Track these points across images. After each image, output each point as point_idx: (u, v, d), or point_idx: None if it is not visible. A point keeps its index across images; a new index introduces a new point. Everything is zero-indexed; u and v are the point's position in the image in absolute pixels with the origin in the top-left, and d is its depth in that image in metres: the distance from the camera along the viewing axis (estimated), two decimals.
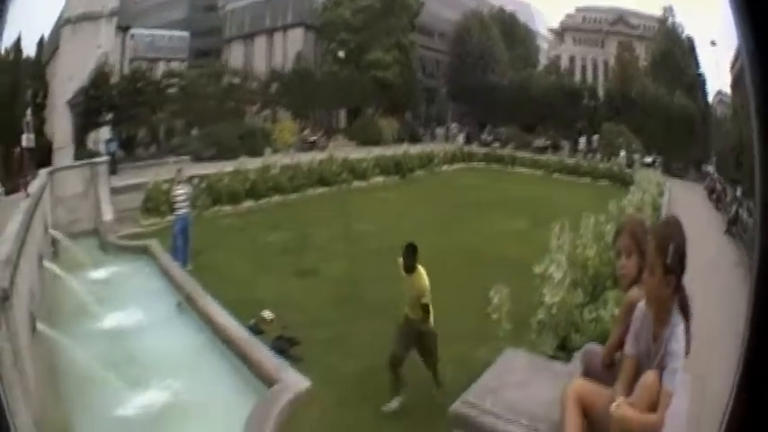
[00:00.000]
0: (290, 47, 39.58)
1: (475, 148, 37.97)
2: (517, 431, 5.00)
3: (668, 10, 37.57)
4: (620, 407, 3.74)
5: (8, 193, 14.35)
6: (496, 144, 38.40)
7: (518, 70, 42.61)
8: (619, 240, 4.40)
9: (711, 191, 24.44)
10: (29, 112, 21.25)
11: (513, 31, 45.37)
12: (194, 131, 31.22)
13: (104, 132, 26.93)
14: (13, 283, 6.54)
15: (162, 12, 36.47)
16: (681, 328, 3.74)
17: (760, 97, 1.92)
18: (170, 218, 15.02)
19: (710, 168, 30.40)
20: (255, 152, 25.79)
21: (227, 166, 22.27)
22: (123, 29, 30.94)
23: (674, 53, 36.06)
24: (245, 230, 17.78)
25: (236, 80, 34.64)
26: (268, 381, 8.03)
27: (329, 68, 38.26)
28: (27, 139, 17.13)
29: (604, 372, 4.47)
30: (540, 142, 38.02)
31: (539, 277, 8.89)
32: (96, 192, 18.28)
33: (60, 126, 25.45)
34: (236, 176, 21.65)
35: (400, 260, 7.80)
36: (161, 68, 32.73)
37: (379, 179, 27.95)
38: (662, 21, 38.19)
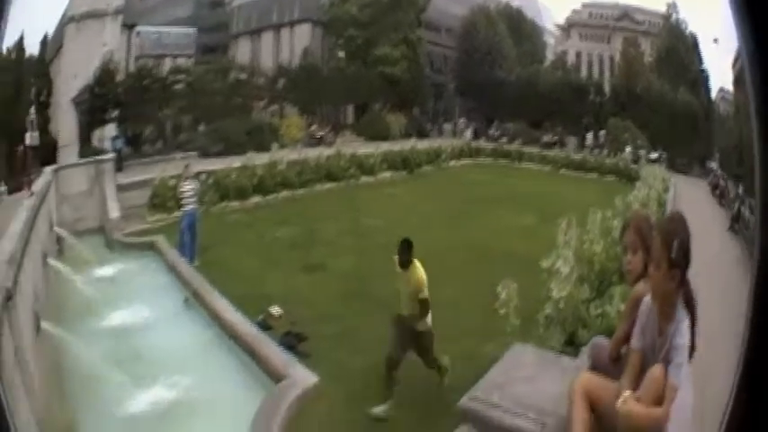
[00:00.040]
0: (297, 43, 39.41)
1: (482, 143, 37.88)
2: (525, 425, 5.11)
3: (672, 6, 37.53)
4: (627, 402, 3.78)
5: (11, 191, 14.33)
6: (504, 139, 38.36)
7: (525, 66, 42.42)
8: (625, 236, 4.49)
9: (715, 187, 24.37)
10: (33, 110, 21.27)
11: (520, 27, 45.18)
12: (201, 127, 31.20)
13: (110, 130, 26.86)
14: (17, 282, 6.59)
15: (168, 9, 36.15)
16: (686, 323, 3.80)
17: (760, 98, 1.93)
18: (177, 214, 15.05)
19: (714, 165, 30.36)
20: (263, 148, 25.42)
21: (235, 162, 22.33)
22: (129, 27, 30.92)
23: (678, 49, 35.97)
24: (252, 226, 17.71)
25: (243, 76, 34.50)
26: (276, 376, 8.01)
27: (336, 64, 38.19)
28: (31, 138, 17.17)
29: (611, 366, 4.50)
30: (547, 138, 38.04)
31: (546, 272, 8.83)
32: (102, 189, 18.25)
33: (65, 124, 25.43)
34: (244, 172, 21.61)
35: (395, 258, 7.73)
36: (167, 65, 32.51)
37: (387, 174, 27.82)
38: (666, 17, 38.11)
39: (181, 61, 33.50)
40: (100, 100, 26.71)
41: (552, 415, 5.04)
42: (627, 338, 4.33)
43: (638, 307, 4.16)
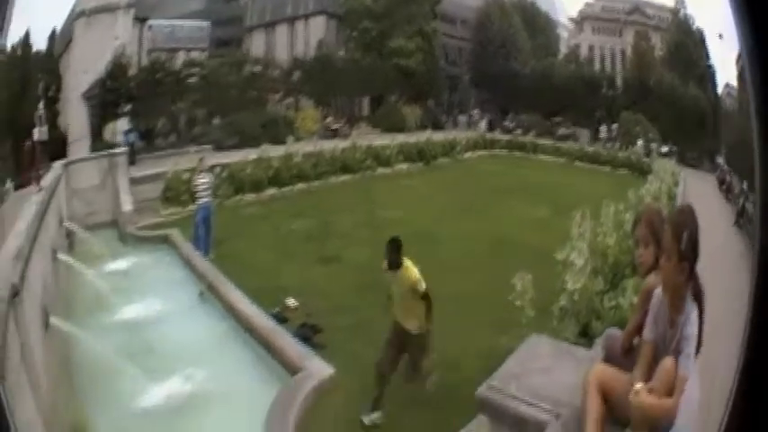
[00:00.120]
0: (312, 35, 39.26)
1: (497, 135, 37.89)
2: (540, 416, 5.20)
3: (680, 1, 37.48)
4: (639, 393, 3.86)
5: (18, 187, 14.31)
6: (518, 131, 38.34)
7: (539, 59, 42.46)
8: (637, 230, 4.57)
9: (722, 182, 24.38)
10: (41, 105, 21.27)
11: (535, 20, 45.18)
12: (216, 120, 31.10)
13: (122, 124, 26.80)
14: (24, 277, 6.42)
15: (181, 2, 35.68)
16: (695, 313, 3.89)
17: (760, 97, 1.94)
18: (191, 207, 15.12)
19: (721, 160, 30.31)
20: (278, 140, 25.50)
21: (250, 155, 22.28)
22: (141, 20, 30.90)
23: (687, 45, 35.95)
24: (267, 218, 17.75)
25: (258, 69, 34.34)
26: (292, 369, 8.05)
27: (351, 56, 38.06)
28: (39, 132, 17.15)
29: (624, 357, 4.59)
30: (562, 131, 37.99)
31: (560, 264, 8.95)
32: (115, 183, 18.22)
33: (75, 119, 25.45)
34: (259, 164, 21.59)
35: (385, 263, 7.36)
36: (180, 59, 32.39)
37: (403, 166, 27.80)
38: (674, 12, 38.08)
39: (194, 55, 33.27)
40: (112, 94, 26.68)
41: (567, 406, 5.07)
42: (639, 330, 4.40)
43: (650, 299, 4.23)
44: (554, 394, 5.41)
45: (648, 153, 31.41)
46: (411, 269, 7.15)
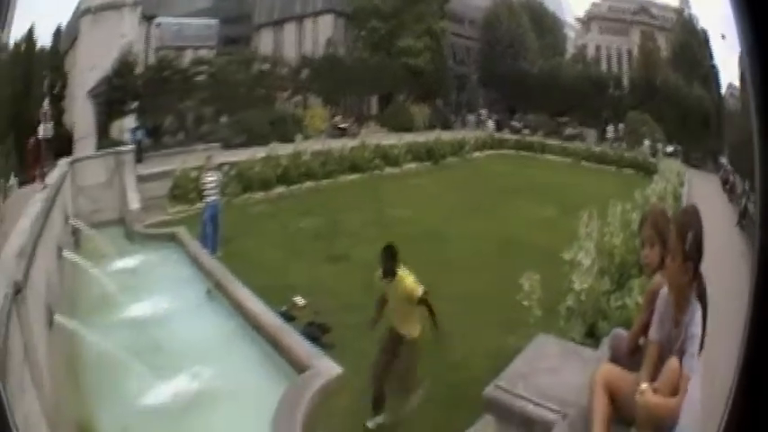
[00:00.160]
0: (321, 33, 38.92)
1: (506, 135, 37.94)
2: (547, 415, 5.26)
3: (684, 1, 37.44)
4: (645, 394, 3.94)
5: (21, 184, 14.28)
6: (526, 131, 38.36)
7: (547, 58, 42.37)
8: (642, 230, 4.62)
9: (725, 182, 24.35)
10: (46, 102, 21.24)
11: (542, 20, 44.89)
12: (224, 119, 30.90)
13: (129, 121, 26.69)
14: (28, 275, 6.49)
15: (188, 0, 35.99)
16: (699, 313, 3.96)
17: (760, 95, 1.96)
18: (198, 205, 15.10)
19: (724, 160, 30.31)
20: (286, 139, 25.28)
21: (258, 153, 22.17)
22: (148, 18, 30.80)
23: (692, 45, 35.87)
24: (276, 217, 17.77)
25: (267, 67, 34.19)
26: (299, 367, 8.02)
27: (360, 55, 37.95)
28: (44, 129, 17.06)
29: (630, 357, 4.67)
30: (569, 130, 37.91)
31: (567, 264, 9.14)
32: (122, 181, 18.15)
33: (81, 116, 25.28)
34: (268, 163, 21.52)
35: (378, 273, 7.32)
36: (188, 57, 32.27)
37: (412, 165, 27.70)
38: (679, 12, 38.03)
39: (202, 53, 33.15)
40: (118, 92, 26.53)
41: (574, 405, 5.09)
42: (644, 330, 4.49)
43: (656, 299, 4.31)
44: (561, 394, 5.43)
45: (654, 153, 31.46)
46: (406, 280, 7.07)
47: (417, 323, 7.19)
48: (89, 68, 25.44)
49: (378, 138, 29.00)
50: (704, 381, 3.96)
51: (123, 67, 27.02)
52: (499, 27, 42.07)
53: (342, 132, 32.16)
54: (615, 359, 4.84)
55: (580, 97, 38.26)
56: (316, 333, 9.37)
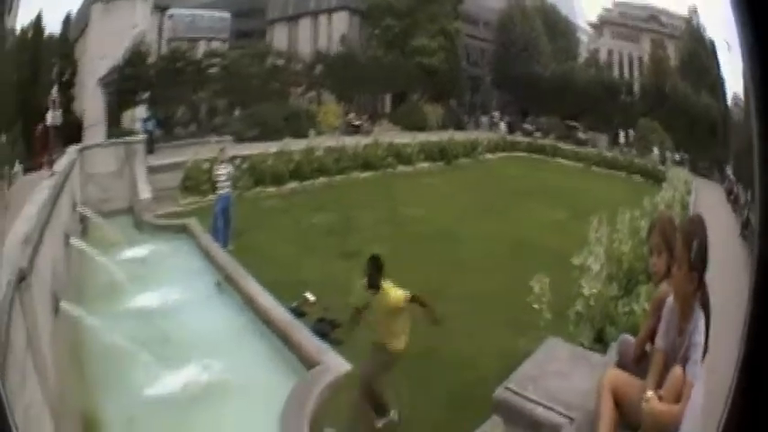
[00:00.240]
0: (335, 30, 39.06)
1: (518, 137, 38.00)
2: (555, 419, 5.42)
3: (693, 11, 37.46)
4: (650, 401, 4.00)
5: (27, 171, 14.25)
6: (538, 134, 38.42)
7: (560, 62, 42.35)
8: (651, 238, 4.67)
9: (730, 192, 24.33)
10: (55, 89, 21.20)
11: (555, 23, 44.89)
12: (237, 112, 30.97)
13: (140, 111, 26.68)
14: (34, 262, 6.37)
15: None
16: (702, 321, 4.02)
17: (760, 96, 1.94)
18: (210, 197, 15.17)
19: (729, 170, 30.32)
20: (300, 134, 25.47)
21: (271, 147, 22.16)
22: (161, 9, 30.82)
23: (700, 54, 35.83)
24: (288, 211, 17.79)
25: (281, 61, 34.37)
26: (309, 363, 7.92)
27: (374, 53, 38.02)
28: (53, 117, 17.03)
29: (636, 363, 4.74)
30: (581, 135, 38.01)
31: (577, 269, 9.53)
32: (132, 170, 18.14)
33: (91, 104, 25.17)
34: (281, 157, 21.56)
35: (362, 282, 7.18)
36: (201, 48, 32.41)
37: (424, 165, 27.71)
38: (688, 21, 38.03)
39: (215, 45, 33.22)
40: (130, 81, 26.43)
41: (581, 410, 5.17)
42: (650, 337, 4.59)
43: (662, 307, 4.38)
44: (569, 398, 5.56)
45: (663, 161, 31.60)
46: (390, 294, 6.92)
47: (403, 335, 7.06)
48: (100, 57, 25.37)
49: (391, 136, 29.12)
50: (705, 382, 4.00)
51: (135, 57, 26.91)
52: (513, 30, 42.03)
53: (355, 129, 32.16)
54: (622, 365, 4.89)
55: (592, 102, 38.26)
56: (326, 329, 9.37)
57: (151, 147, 21.87)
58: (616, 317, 8.47)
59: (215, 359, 8.35)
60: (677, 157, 32.42)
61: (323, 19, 39.07)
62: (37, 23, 21.38)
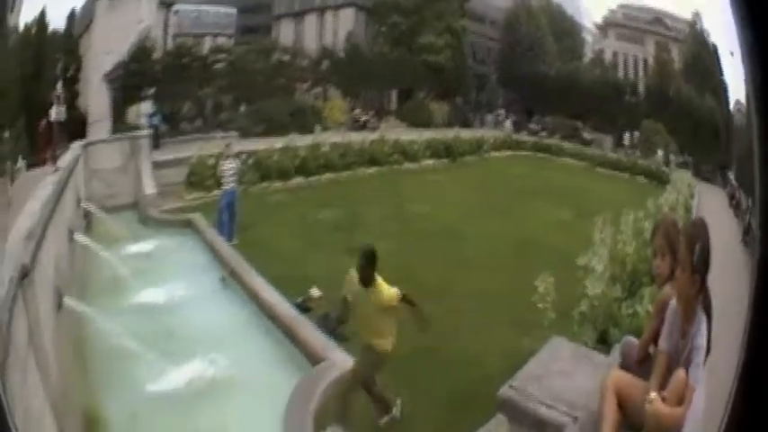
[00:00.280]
0: (341, 26, 38.91)
1: (523, 136, 38.09)
2: (559, 418, 5.45)
3: (696, 15, 37.45)
4: (654, 403, 4.10)
5: (30, 166, 14.22)
6: (544, 133, 38.45)
7: (565, 62, 42.24)
8: (654, 240, 4.77)
9: (732, 197, 24.31)
10: (59, 85, 21.17)
11: (561, 23, 44.78)
12: (243, 107, 30.99)
13: (146, 106, 26.59)
14: (37, 258, 6.43)
15: None
16: (704, 324, 4.12)
17: (760, 96, 1.97)
18: (215, 193, 15.18)
19: (732, 175, 30.30)
20: (305, 129, 25.34)
21: (277, 143, 22.13)
22: (166, 5, 30.80)
23: (704, 58, 35.81)
24: (294, 207, 17.78)
25: (286, 57, 34.22)
26: (314, 359, 8.07)
27: (380, 49, 37.92)
28: (57, 112, 17.01)
29: (639, 365, 4.85)
30: (586, 135, 38.01)
31: (581, 269, 9.51)
32: (137, 165, 18.28)
33: (96, 100, 25.16)
34: (286, 153, 21.47)
35: (352, 272, 6.99)
36: (207, 44, 32.40)
37: (430, 162, 27.47)
38: (691, 24, 38.02)
39: (221, 41, 33.22)
40: (135, 77, 26.38)
41: (584, 409, 5.31)
42: (654, 339, 4.70)
43: (665, 309, 4.49)
44: (573, 398, 5.63)
45: (667, 163, 31.68)
46: (384, 290, 6.65)
47: (390, 336, 6.77)
48: (105, 52, 25.34)
49: (397, 132, 28.98)
50: (706, 384, 4.07)
51: (140, 53, 26.85)
52: (519, 29, 42.01)
53: (361, 126, 32.16)
54: (625, 366, 5.02)
55: (597, 102, 38.27)
56: (331, 325, 9.25)
57: (157, 142, 21.95)
58: (619, 318, 8.49)
59: (220, 354, 8.35)
60: (681, 159, 32.41)
61: (329, 15, 38.98)
62: (41, 19, 21.35)
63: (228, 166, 13.96)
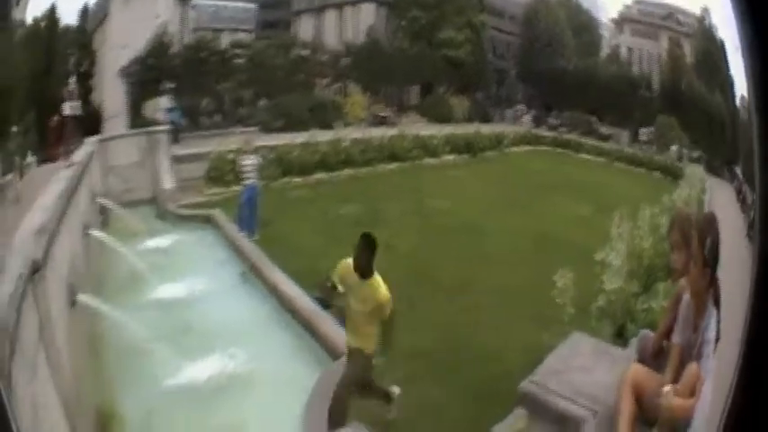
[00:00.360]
0: (362, 22, 38.86)
1: (543, 131, 38.19)
2: (579, 412, 5.44)
3: (705, 10, 37.44)
4: (667, 396, 4.18)
5: (41, 162, 14.23)
6: (563, 129, 38.53)
7: (583, 57, 42.60)
8: (671, 235, 4.75)
9: (739, 192, 24.31)
10: (73, 80, 21.22)
11: (579, 18, 45.12)
12: (262, 102, 30.91)
13: (163, 101, 26.48)
14: (49, 253, 6.32)
15: None
16: (714, 318, 4.15)
17: (760, 93, 1.93)
18: (235, 188, 15.15)
19: (738, 170, 30.29)
20: (326, 125, 25.72)
21: (297, 138, 22.04)
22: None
23: (713, 53, 35.92)
24: (315, 202, 17.61)
25: (306, 53, 34.11)
26: (334, 353, 7.94)
27: (400, 44, 37.93)
28: (71, 108, 17.05)
29: (654, 358, 5.01)
30: (603, 130, 38.24)
31: (599, 264, 9.28)
32: (155, 160, 18.20)
33: (111, 95, 25.30)
34: (307, 148, 21.37)
35: (346, 261, 6.42)
36: (225, 39, 32.24)
37: (450, 157, 27.34)
38: (700, 20, 37.99)
39: (240, 36, 33.19)
40: (153, 71, 26.50)
41: (603, 404, 5.34)
42: (667, 333, 4.85)
43: (679, 303, 4.64)
44: (593, 392, 5.63)
45: (681, 158, 31.91)
46: (381, 288, 6.17)
47: (374, 337, 6.33)
48: (121, 46, 25.36)
49: (417, 128, 28.90)
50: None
51: (158, 48, 26.90)
52: (538, 25, 42.16)
53: (382, 121, 32.15)
54: (642, 360, 5.11)
55: (614, 97, 38.45)
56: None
57: (176, 137, 21.85)
58: (635, 313, 8.42)
59: (239, 349, 8.37)
60: (694, 154, 32.70)
61: (349, 10, 38.99)
62: (51, 14, 21.39)
63: (248, 162, 13.63)
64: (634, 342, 6.08)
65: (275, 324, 9.43)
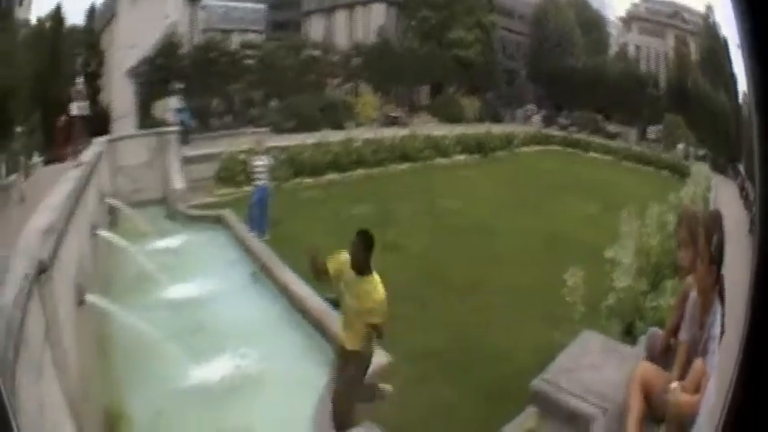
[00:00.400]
0: (372, 22, 38.92)
1: (553, 131, 38.23)
2: (589, 409, 5.51)
3: (709, 8, 37.45)
4: (674, 393, 4.23)
5: (48, 162, 14.21)
6: (573, 128, 38.57)
7: (591, 55, 42.69)
8: (679, 232, 4.84)
9: (742, 189, 24.16)
10: (81, 80, 21.21)
11: (587, 16, 45.19)
12: (273, 103, 30.91)
13: (173, 101, 26.30)
14: (57, 254, 6.23)
15: None
16: (720, 314, 4.15)
17: (759, 91, 1.90)
18: (246, 188, 15.40)
19: (741, 167, 30.06)
20: (337, 125, 25.82)
21: (309, 139, 22.17)
22: (192, 0, 30.95)
23: (717, 51, 35.85)
24: (326, 203, 17.67)
25: (317, 53, 34.10)
26: None
27: (410, 44, 37.95)
28: (78, 108, 17.02)
29: (662, 356, 5.06)
30: (612, 128, 38.29)
31: (609, 262, 9.30)
32: (165, 161, 18.21)
33: (120, 95, 25.30)
34: (319, 149, 21.51)
35: (344, 255, 6.31)
36: (235, 40, 32.23)
37: (461, 157, 27.44)
38: (705, 18, 37.98)
39: (250, 36, 33.20)
40: (162, 72, 26.49)
41: (612, 401, 5.41)
42: (675, 331, 4.89)
43: (686, 300, 4.68)
44: (602, 390, 5.71)
45: (687, 156, 31.96)
46: (379, 287, 5.99)
47: (366, 336, 6.10)
48: (129, 46, 25.34)
49: (428, 128, 28.94)
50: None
51: (167, 48, 26.87)
52: (547, 25, 42.24)
53: (393, 121, 32.15)
54: (650, 357, 5.20)
55: (623, 95, 38.49)
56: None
57: (186, 137, 21.80)
58: (644, 311, 8.38)
59: (250, 349, 8.42)
60: (700, 152, 32.57)
61: (359, 10, 39.06)
62: (56, 14, 21.37)
63: (260, 163, 13.66)
64: (643, 340, 6.16)
65: (286, 324, 9.44)
